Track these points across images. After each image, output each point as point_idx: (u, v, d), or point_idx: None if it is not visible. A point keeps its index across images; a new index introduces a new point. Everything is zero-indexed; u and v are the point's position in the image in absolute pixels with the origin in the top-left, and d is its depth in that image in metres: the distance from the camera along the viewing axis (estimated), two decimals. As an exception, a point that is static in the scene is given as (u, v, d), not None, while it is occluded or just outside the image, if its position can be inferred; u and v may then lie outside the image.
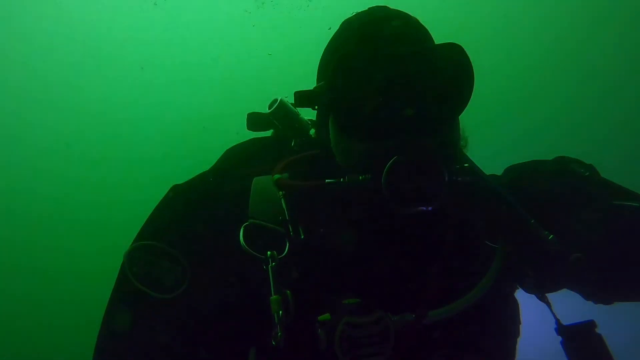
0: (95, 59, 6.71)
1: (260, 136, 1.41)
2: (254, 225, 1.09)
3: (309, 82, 1.24)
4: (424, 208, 0.97)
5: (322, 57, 1.24)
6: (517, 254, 1.11)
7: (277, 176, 1.12)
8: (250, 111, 1.39)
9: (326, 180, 1.04)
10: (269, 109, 1.34)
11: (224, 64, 6.86)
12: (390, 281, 1.08)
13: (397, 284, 1.08)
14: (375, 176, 0.97)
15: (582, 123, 7.26)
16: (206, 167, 1.34)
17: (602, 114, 7.29)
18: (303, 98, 1.24)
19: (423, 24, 1.15)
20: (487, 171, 1.19)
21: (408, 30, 1.07)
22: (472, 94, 1.04)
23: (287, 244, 1.06)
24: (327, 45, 1.23)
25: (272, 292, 1.00)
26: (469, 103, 1.04)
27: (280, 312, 0.98)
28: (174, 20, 6.74)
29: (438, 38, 1.11)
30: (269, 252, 1.04)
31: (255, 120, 1.39)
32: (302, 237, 1.06)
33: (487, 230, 1.14)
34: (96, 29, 6.61)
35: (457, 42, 1.03)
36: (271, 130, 1.40)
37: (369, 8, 1.17)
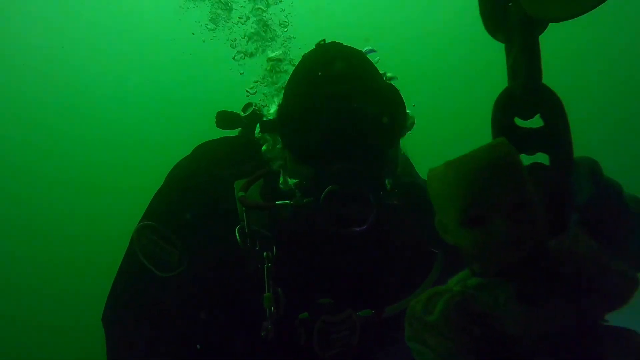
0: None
1: (229, 135, 1.49)
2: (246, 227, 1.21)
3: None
4: (357, 229, 1.12)
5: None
6: (452, 259, 1.29)
7: (240, 194, 1.23)
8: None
9: (276, 202, 1.18)
10: (244, 112, 1.44)
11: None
12: (352, 284, 1.24)
13: (358, 286, 1.25)
14: (315, 200, 1.13)
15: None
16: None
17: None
18: (226, 120, 1.40)
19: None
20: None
21: (350, 70, 1.18)
22: (402, 129, 1.19)
23: (274, 248, 1.20)
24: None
25: (267, 290, 1.14)
26: (400, 136, 1.20)
27: (272, 308, 1.14)
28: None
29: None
30: (265, 253, 1.17)
31: (225, 119, 1.46)
32: (258, 248, 1.19)
33: (430, 239, 1.28)
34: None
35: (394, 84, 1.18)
36: (239, 129, 1.48)
37: (324, 45, 1.27)
